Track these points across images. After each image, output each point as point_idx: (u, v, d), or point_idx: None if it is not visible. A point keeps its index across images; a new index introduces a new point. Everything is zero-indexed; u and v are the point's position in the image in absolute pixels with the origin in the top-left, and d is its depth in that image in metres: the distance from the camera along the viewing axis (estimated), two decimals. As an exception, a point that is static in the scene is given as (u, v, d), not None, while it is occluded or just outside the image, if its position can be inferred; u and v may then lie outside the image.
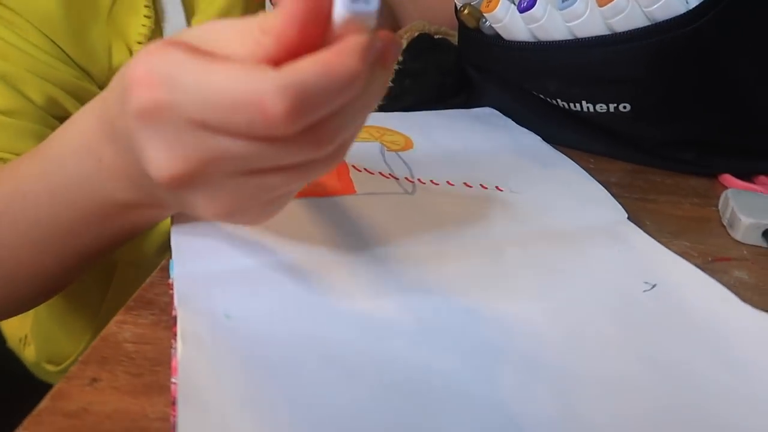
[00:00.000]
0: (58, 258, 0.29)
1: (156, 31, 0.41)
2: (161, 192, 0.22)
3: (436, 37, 0.43)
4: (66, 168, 0.26)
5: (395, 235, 0.27)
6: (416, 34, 0.43)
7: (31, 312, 0.51)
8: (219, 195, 0.20)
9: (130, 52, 0.39)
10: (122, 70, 0.20)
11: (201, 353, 0.21)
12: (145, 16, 0.39)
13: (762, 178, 0.38)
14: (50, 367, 0.52)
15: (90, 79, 0.40)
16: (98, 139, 0.24)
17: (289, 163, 0.19)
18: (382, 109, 0.41)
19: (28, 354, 0.52)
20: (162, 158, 0.19)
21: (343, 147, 0.20)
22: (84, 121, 0.25)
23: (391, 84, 0.42)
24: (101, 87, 0.38)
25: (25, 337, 0.54)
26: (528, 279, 0.25)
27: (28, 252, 0.29)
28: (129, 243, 0.45)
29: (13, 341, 0.54)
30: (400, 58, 0.42)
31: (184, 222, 0.26)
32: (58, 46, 0.38)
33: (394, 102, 0.42)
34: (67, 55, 0.39)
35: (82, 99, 0.39)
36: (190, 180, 0.19)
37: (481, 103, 0.43)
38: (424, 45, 0.42)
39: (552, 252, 0.27)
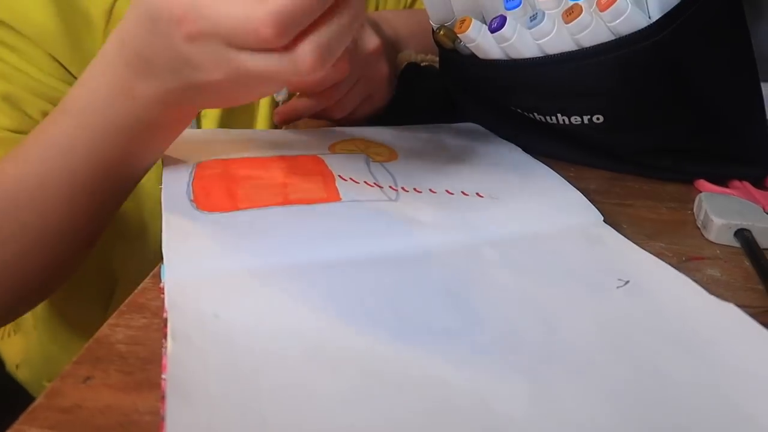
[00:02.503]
0: (94, 198, 0.34)
1: None
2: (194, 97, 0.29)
3: (423, 65, 0.46)
4: (97, 114, 0.31)
5: (378, 238, 0.28)
6: (404, 64, 0.45)
7: (31, 335, 0.52)
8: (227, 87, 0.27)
9: None
10: (149, 13, 0.26)
11: (190, 351, 0.22)
12: None
13: (735, 182, 0.39)
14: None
15: None
16: (127, 78, 0.29)
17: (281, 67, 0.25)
18: (374, 124, 0.44)
19: (22, 376, 0.53)
20: (211, 69, 0.26)
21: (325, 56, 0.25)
22: (105, 73, 0.30)
23: (383, 111, 0.45)
24: None
25: (16, 366, 0.54)
26: (504, 277, 0.26)
27: (68, 203, 0.33)
28: (130, 261, 0.47)
29: (10, 367, 0.54)
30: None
31: (175, 229, 0.27)
32: (58, 62, 0.41)
33: (384, 124, 0.44)
34: (67, 70, 0.41)
35: None
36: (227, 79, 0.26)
37: (463, 120, 0.45)
38: (411, 74, 0.45)
39: (529, 252, 0.28)
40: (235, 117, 0.48)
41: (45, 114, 0.38)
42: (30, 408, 0.21)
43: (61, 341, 0.52)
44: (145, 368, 0.23)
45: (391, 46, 0.46)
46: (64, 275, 0.38)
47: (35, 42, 0.40)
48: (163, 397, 0.20)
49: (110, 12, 0.42)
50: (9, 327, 0.55)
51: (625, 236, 0.32)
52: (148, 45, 0.27)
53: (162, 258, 0.27)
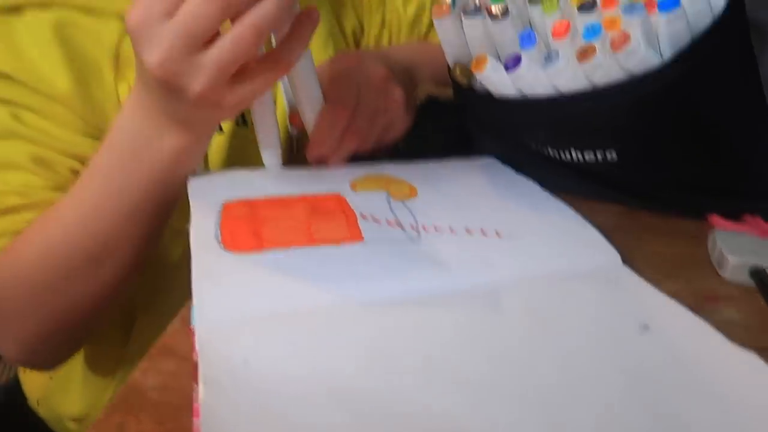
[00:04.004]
0: (126, 248, 0.39)
1: None
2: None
3: (441, 99, 0.47)
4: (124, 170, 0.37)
5: (400, 280, 0.29)
6: (423, 97, 0.46)
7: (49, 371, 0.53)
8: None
9: None
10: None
11: (221, 397, 0.22)
12: None
13: (750, 217, 0.40)
14: (71, 425, 0.53)
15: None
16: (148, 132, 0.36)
17: None
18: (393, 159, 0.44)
19: (43, 412, 0.54)
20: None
21: None
22: (127, 122, 0.37)
23: (401, 143, 0.46)
24: None
25: (37, 402, 0.55)
26: (524, 321, 0.27)
27: (113, 235, 0.39)
28: (149, 297, 0.49)
29: (32, 402, 0.55)
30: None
31: (205, 271, 0.28)
32: (76, 116, 0.43)
33: (403, 159, 0.45)
34: (87, 123, 0.43)
35: None
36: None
37: (481, 154, 0.46)
38: (430, 106, 0.45)
39: (548, 295, 0.29)
40: (241, 154, 0.50)
41: (73, 169, 0.42)
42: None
43: (78, 378, 0.52)
44: (177, 416, 0.24)
45: (404, 72, 0.47)
46: (99, 319, 0.42)
47: (54, 101, 0.42)
48: (196, 445, 0.21)
49: (116, 55, 0.44)
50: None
51: (641, 275, 0.32)
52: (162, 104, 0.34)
53: (185, 295, 0.28)
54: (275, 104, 0.41)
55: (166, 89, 0.32)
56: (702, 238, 0.38)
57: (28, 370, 0.56)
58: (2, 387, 0.59)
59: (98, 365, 0.51)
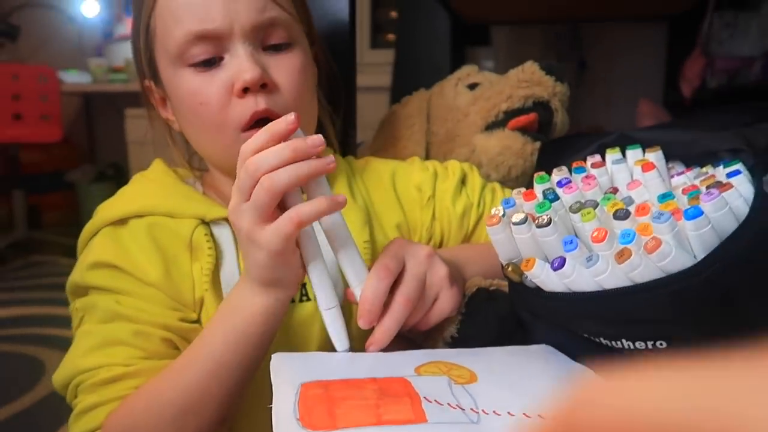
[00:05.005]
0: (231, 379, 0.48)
1: (216, 266, 0.55)
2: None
3: (491, 289, 0.52)
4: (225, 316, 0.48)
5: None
6: (474, 289, 0.51)
7: None
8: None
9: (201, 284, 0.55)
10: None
11: None
12: (208, 255, 0.54)
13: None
14: None
15: (187, 309, 0.54)
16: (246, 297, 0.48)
17: None
18: (452, 347, 0.48)
19: None
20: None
21: None
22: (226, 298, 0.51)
23: (456, 332, 0.50)
24: (195, 312, 0.55)
25: None
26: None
27: (214, 387, 0.47)
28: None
29: None
30: (463, 310, 0.51)
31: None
32: (166, 295, 0.53)
33: (460, 345, 0.49)
34: (171, 299, 0.53)
35: (188, 338, 0.52)
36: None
37: (535, 341, 0.49)
38: (482, 297, 0.51)
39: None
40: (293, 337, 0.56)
41: (163, 338, 0.51)
42: None
43: None
44: None
45: (452, 263, 0.53)
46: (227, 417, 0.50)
47: (148, 284, 0.53)
48: None
49: (190, 243, 0.55)
50: None
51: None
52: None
53: None
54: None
55: (250, 246, 0.44)
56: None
57: None
58: None
59: None
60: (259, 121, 0.52)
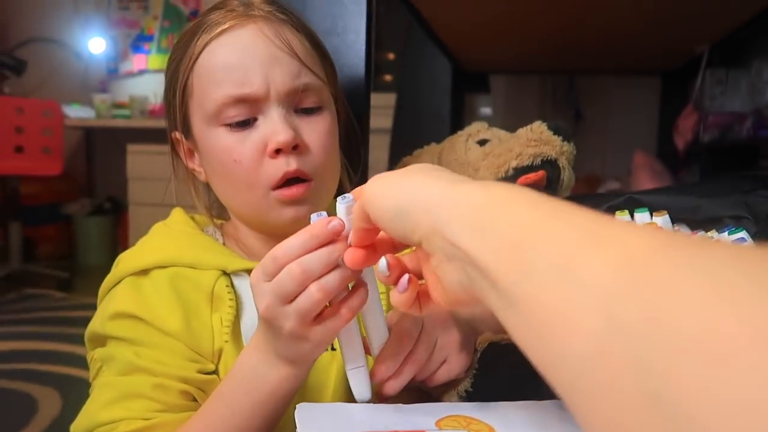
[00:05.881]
0: None
1: (237, 317, 0.56)
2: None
3: (503, 343, 0.53)
4: (243, 395, 0.48)
5: None
6: (486, 344, 0.53)
7: None
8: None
9: (221, 335, 0.56)
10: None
11: None
12: (229, 306, 0.55)
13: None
14: None
15: (205, 360, 0.54)
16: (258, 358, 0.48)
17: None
18: (467, 400, 0.50)
19: None
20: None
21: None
22: (247, 357, 0.49)
23: (470, 386, 0.51)
24: (213, 363, 0.55)
25: None
26: None
27: None
28: None
29: None
30: (476, 365, 0.52)
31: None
32: (185, 346, 0.54)
33: (475, 398, 0.51)
34: (191, 350, 0.54)
35: (206, 390, 0.53)
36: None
37: (548, 395, 0.51)
38: (494, 352, 0.52)
39: None
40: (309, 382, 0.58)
41: (182, 391, 0.52)
42: None
43: None
44: None
45: (466, 323, 0.54)
46: None
47: (168, 335, 0.53)
48: None
49: (211, 294, 0.56)
50: None
51: None
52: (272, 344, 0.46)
53: None
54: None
55: (270, 328, 0.44)
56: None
57: None
58: None
59: None
60: (290, 180, 0.55)
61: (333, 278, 0.42)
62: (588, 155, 2.39)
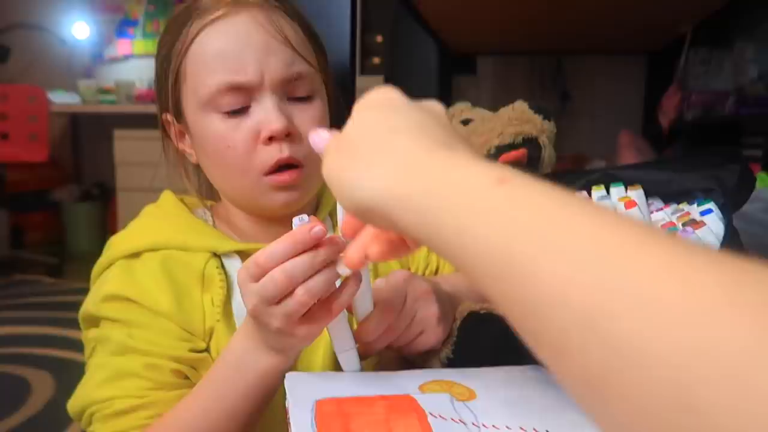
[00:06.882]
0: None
1: (228, 297, 0.58)
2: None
3: (482, 312, 0.56)
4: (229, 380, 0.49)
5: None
6: (466, 312, 0.55)
7: None
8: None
9: (212, 314, 0.57)
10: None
11: None
12: (219, 287, 0.57)
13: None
14: None
15: (197, 338, 0.56)
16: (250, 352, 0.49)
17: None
18: (449, 367, 0.52)
19: None
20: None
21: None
22: (236, 344, 0.50)
23: (451, 354, 0.54)
24: (204, 342, 0.57)
25: None
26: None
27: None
28: None
29: None
30: (456, 333, 0.54)
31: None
32: (177, 326, 0.55)
33: (456, 365, 0.53)
34: (182, 330, 0.55)
35: (198, 368, 0.55)
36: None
37: (527, 361, 0.53)
38: (473, 320, 0.54)
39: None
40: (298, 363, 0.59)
41: (173, 370, 0.54)
42: None
43: None
44: None
45: (447, 297, 0.57)
46: None
47: (160, 315, 0.55)
48: None
49: (202, 276, 0.58)
50: None
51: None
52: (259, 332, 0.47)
53: None
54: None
55: (258, 324, 0.45)
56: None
57: None
58: None
59: None
60: (282, 166, 0.57)
61: (319, 281, 0.42)
62: (575, 135, 2.42)
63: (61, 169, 3.61)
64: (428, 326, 0.54)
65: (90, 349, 0.57)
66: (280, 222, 0.61)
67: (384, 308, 0.51)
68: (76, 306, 0.59)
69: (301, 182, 0.58)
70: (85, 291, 0.60)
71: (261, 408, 0.50)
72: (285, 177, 0.57)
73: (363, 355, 0.51)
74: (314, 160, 0.59)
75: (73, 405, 0.54)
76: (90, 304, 0.57)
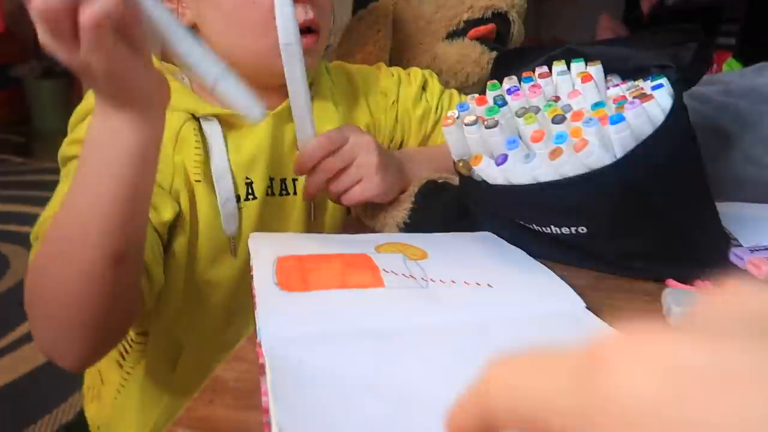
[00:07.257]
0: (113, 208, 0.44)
1: (206, 160, 0.59)
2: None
3: (440, 181, 0.58)
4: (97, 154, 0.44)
5: (411, 314, 0.39)
6: (424, 181, 0.58)
7: (109, 401, 0.63)
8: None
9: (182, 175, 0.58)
10: None
11: (281, 381, 0.32)
12: (195, 148, 0.58)
13: (700, 281, 0.49)
14: None
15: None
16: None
17: None
18: (405, 231, 0.55)
19: None
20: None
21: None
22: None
23: (408, 219, 0.57)
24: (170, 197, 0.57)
25: (98, 427, 0.64)
26: (501, 348, 0.36)
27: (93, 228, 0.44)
28: (192, 331, 0.60)
29: (92, 429, 0.64)
30: (413, 199, 0.57)
31: (266, 303, 0.38)
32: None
33: (412, 230, 0.56)
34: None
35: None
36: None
37: (479, 229, 0.57)
38: (430, 187, 0.57)
39: (522, 331, 0.38)
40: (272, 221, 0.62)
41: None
42: (174, 419, 0.32)
43: (133, 405, 0.62)
44: (250, 396, 0.33)
45: (394, 158, 0.60)
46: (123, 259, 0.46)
47: None
48: (265, 411, 0.30)
49: (177, 135, 0.58)
50: (92, 393, 0.66)
51: (603, 320, 0.41)
52: None
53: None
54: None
55: (84, 77, 0.41)
56: (658, 297, 0.47)
57: (93, 402, 0.65)
58: (69, 422, 0.67)
59: (150, 393, 0.61)
60: (303, 30, 0.56)
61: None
62: (557, 20, 2.35)
63: (20, 42, 3.41)
64: (367, 174, 0.57)
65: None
66: (273, 92, 0.62)
67: (323, 138, 0.55)
68: (46, 185, 0.59)
69: (317, 47, 0.60)
70: (54, 170, 0.60)
71: (128, 189, 0.44)
72: (306, 41, 0.57)
73: (307, 198, 0.56)
74: (327, 25, 0.60)
75: (31, 234, 0.54)
76: (64, 147, 0.58)
